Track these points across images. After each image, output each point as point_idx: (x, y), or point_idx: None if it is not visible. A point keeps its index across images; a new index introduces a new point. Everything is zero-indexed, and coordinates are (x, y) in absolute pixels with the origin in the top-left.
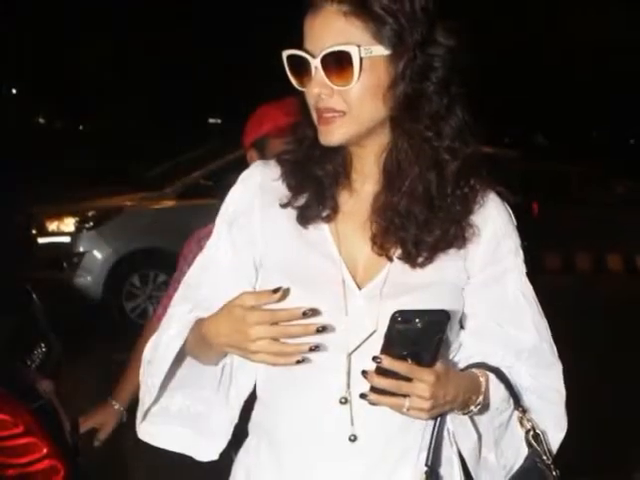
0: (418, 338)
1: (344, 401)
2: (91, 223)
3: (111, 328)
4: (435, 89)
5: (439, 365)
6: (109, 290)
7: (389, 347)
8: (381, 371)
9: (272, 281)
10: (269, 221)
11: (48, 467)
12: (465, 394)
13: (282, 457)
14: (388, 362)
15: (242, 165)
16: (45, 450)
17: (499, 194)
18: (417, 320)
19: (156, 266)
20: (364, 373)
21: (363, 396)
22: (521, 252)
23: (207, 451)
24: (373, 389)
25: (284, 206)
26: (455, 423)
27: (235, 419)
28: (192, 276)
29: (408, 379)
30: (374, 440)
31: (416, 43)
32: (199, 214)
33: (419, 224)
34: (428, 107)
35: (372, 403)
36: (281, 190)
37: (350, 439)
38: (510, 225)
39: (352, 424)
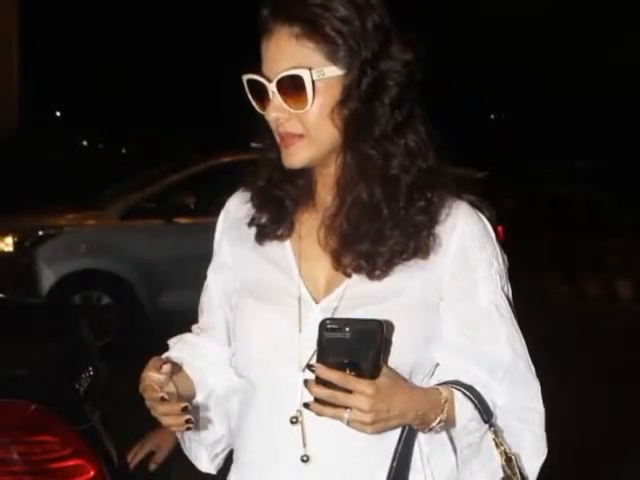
0: (351, 347)
1: (295, 420)
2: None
3: None
4: (382, 112)
5: (383, 378)
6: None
7: (323, 356)
8: (321, 381)
9: (240, 298)
10: (237, 241)
11: None
12: (418, 410)
13: (245, 477)
14: (321, 371)
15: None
16: (92, 472)
17: (471, 203)
18: (347, 329)
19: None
20: (305, 382)
21: (306, 405)
22: (497, 264)
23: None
24: (316, 399)
25: (249, 225)
26: (432, 445)
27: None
28: (201, 299)
29: (350, 391)
30: (332, 462)
31: (366, 61)
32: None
33: (371, 238)
34: (373, 128)
35: (317, 414)
36: (250, 211)
37: (303, 460)
38: (483, 235)
39: (304, 445)
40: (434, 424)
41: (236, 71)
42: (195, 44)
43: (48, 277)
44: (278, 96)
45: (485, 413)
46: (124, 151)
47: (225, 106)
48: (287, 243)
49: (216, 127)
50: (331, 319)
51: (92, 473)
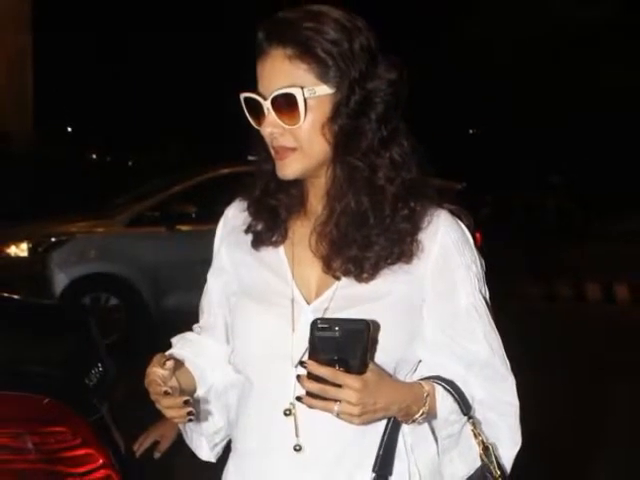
0: (340, 345)
1: (288, 412)
2: (44, 247)
3: None
4: (369, 127)
5: (369, 373)
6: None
7: (314, 353)
8: (312, 376)
9: (238, 299)
10: (235, 247)
11: (104, 476)
12: (402, 403)
13: (242, 467)
14: (313, 367)
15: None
16: (101, 460)
17: (451, 212)
18: (336, 328)
19: (107, 289)
20: (298, 378)
21: (299, 399)
22: (475, 268)
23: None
24: (308, 393)
25: (246, 232)
26: (415, 436)
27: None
28: (201, 301)
29: (339, 385)
30: (323, 451)
31: (354, 80)
32: (146, 241)
33: (359, 244)
34: (360, 143)
35: (309, 406)
36: (247, 219)
37: (295, 449)
38: (462, 241)
39: (297, 435)
40: (417, 416)
41: (236, 74)
42: (195, 46)
43: (60, 280)
44: (273, 113)
45: (464, 406)
46: (130, 164)
47: (225, 106)
48: (281, 249)
49: (217, 127)
50: (322, 319)
51: (101, 461)
